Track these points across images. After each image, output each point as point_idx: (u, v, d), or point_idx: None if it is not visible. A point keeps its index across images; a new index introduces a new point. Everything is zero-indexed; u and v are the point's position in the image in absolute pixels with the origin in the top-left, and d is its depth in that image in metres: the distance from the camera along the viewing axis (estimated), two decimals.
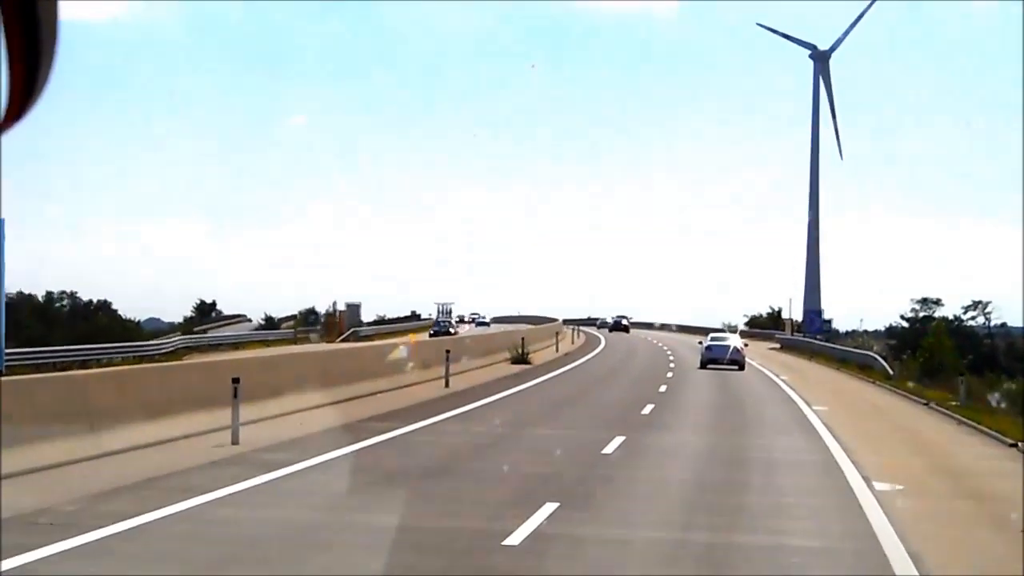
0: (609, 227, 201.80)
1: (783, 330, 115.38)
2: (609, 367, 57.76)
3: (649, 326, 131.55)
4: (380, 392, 34.22)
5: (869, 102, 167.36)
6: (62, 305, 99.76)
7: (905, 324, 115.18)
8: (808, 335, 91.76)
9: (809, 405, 37.36)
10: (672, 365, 60.81)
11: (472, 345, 52.78)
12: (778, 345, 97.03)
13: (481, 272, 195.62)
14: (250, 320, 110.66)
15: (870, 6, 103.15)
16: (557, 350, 72.25)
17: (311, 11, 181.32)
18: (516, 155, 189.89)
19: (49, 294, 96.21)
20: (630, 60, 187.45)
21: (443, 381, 38.99)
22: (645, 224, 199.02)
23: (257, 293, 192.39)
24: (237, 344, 79.30)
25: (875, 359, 59.66)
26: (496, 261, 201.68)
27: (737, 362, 56.92)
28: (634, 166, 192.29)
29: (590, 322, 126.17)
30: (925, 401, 41.19)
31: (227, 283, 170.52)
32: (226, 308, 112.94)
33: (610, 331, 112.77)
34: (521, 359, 55.42)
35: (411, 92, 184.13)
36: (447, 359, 39.19)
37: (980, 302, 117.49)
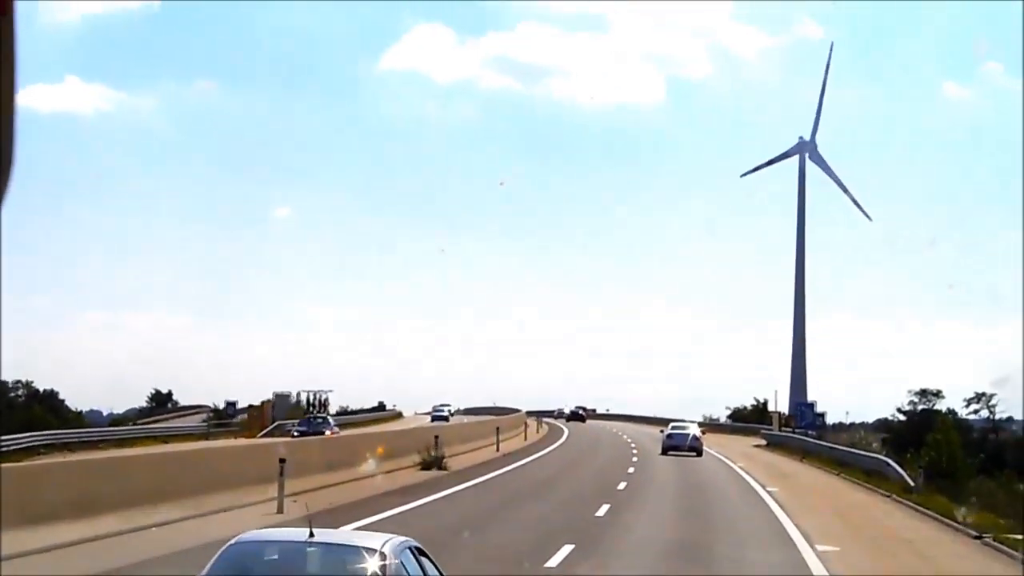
0: (586, 318, 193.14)
1: (770, 424, 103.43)
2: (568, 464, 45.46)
3: (610, 417, 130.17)
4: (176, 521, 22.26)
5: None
6: (17, 395, 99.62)
7: (902, 417, 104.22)
8: (798, 431, 79.47)
9: (810, 542, 25.11)
10: (635, 458, 56.04)
11: (340, 448, 40.01)
12: (764, 442, 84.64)
13: (457, 363, 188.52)
14: (211, 411, 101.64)
15: (825, 79, 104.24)
16: (525, 439, 68.43)
17: (294, 101, 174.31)
18: (497, 248, 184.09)
19: (3, 383, 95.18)
20: (616, 152, 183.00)
21: (275, 504, 26.63)
22: (623, 315, 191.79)
23: (240, 383, 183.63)
24: (123, 440, 66.91)
25: (887, 464, 47.33)
26: (469, 352, 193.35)
27: (695, 449, 62.12)
28: (615, 257, 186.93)
29: (550, 413, 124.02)
30: (977, 533, 28.87)
31: (211, 373, 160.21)
32: (201, 399, 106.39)
33: (567, 420, 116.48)
34: (434, 463, 43.10)
35: (394, 184, 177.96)
36: (281, 474, 26.74)
37: (983, 394, 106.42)
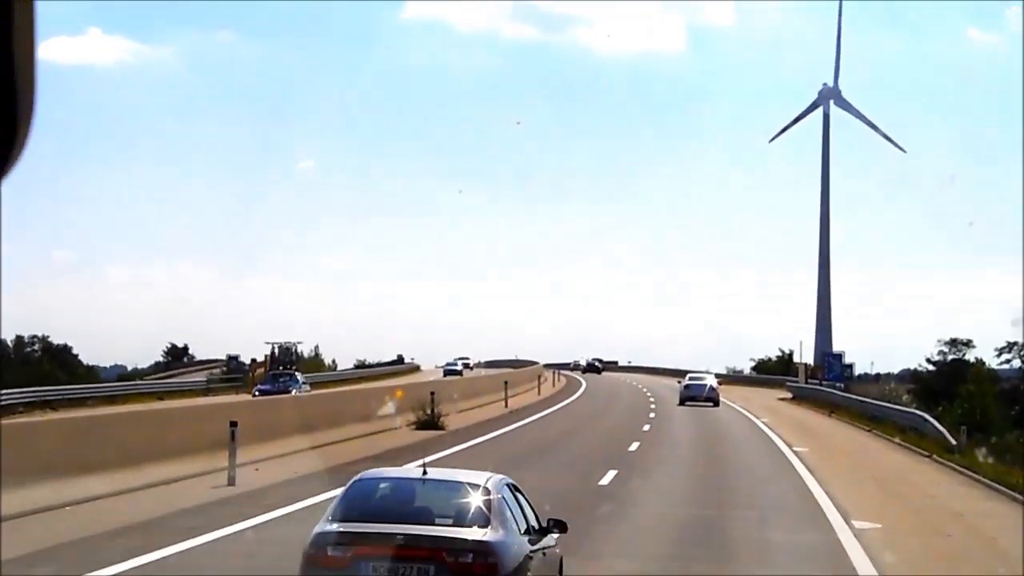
0: (610, 270, 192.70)
1: (795, 376, 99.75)
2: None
3: (631, 369, 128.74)
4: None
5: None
6: (33, 349, 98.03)
7: (930, 367, 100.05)
8: (826, 383, 75.74)
9: (846, 518, 21.41)
10: (652, 414, 53.57)
11: (318, 408, 36.26)
12: (790, 395, 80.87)
13: (481, 315, 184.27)
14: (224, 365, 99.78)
15: (840, 25, 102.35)
16: (539, 393, 66.37)
17: (316, 52, 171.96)
18: (515, 197, 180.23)
19: (19, 338, 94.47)
20: (636, 101, 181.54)
21: (225, 475, 23.07)
22: (647, 266, 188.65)
23: (261, 336, 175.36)
24: (115, 397, 63.55)
25: (925, 420, 43.40)
26: (494, 306, 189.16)
27: (712, 399, 63.76)
28: (637, 208, 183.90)
29: (567, 365, 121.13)
30: None
31: (237, 327, 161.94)
32: (219, 352, 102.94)
33: (583, 372, 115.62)
34: (430, 422, 39.54)
35: (411, 136, 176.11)
36: (232, 439, 23.14)
37: (1015, 343, 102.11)
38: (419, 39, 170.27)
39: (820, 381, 79.25)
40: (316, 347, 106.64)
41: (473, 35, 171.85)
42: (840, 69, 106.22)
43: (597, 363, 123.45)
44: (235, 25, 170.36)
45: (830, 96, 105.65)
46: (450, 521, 11.10)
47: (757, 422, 51.93)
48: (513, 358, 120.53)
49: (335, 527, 10.98)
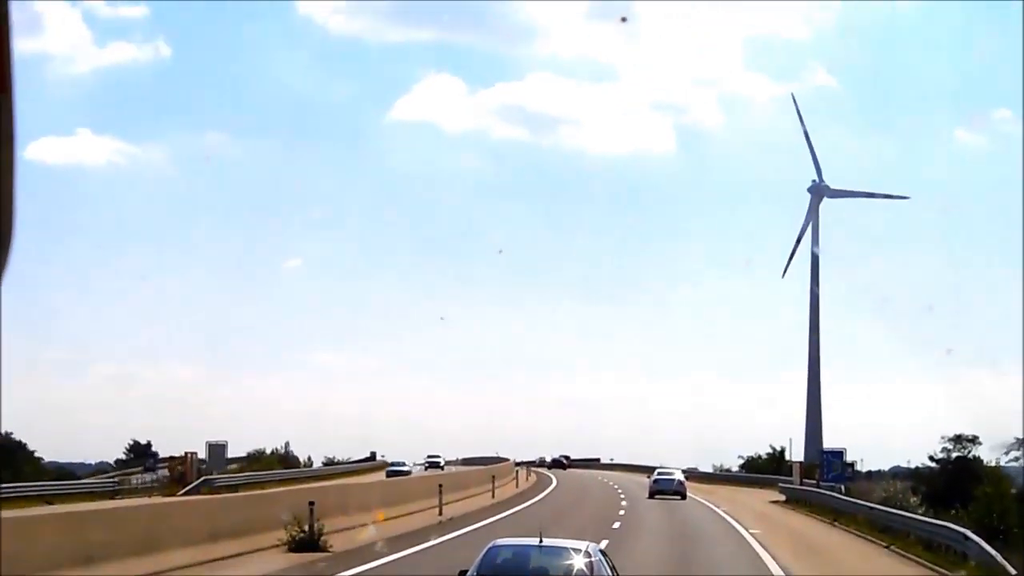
0: (597, 370, 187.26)
1: (788, 476, 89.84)
2: None
3: (605, 466, 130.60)
4: None
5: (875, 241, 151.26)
6: None
7: (932, 465, 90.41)
8: (825, 484, 65.70)
9: None
10: (617, 524, 45.09)
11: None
12: (783, 497, 70.87)
13: (468, 412, 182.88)
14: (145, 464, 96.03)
15: (804, 127, 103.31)
16: (493, 496, 61.28)
17: (304, 153, 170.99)
18: (504, 294, 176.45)
19: None
20: (624, 201, 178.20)
21: None
22: (633, 365, 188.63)
23: (247, 433, 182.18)
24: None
25: (966, 539, 33.22)
26: (481, 404, 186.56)
27: (680, 493, 67.24)
28: (625, 307, 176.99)
29: (535, 463, 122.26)
30: None
31: (223, 425, 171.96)
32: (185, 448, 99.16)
33: (549, 468, 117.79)
34: (308, 542, 29.51)
35: (398, 235, 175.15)
36: None
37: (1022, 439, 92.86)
38: (407, 140, 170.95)
39: (817, 482, 69.25)
40: (287, 444, 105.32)
41: (461, 136, 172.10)
42: (820, 164, 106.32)
43: (563, 459, 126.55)
44: (225, 127, 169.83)
45: (822, 192, 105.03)
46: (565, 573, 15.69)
47: (746, 534, 41.99)
48: (493, 455, 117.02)
49: None
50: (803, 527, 48.85)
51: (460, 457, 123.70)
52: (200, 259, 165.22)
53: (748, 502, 69.23)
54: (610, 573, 16.16)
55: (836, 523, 49.20)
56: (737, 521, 48.43)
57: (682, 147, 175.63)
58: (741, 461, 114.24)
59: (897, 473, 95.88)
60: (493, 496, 61.68)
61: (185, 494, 65.58)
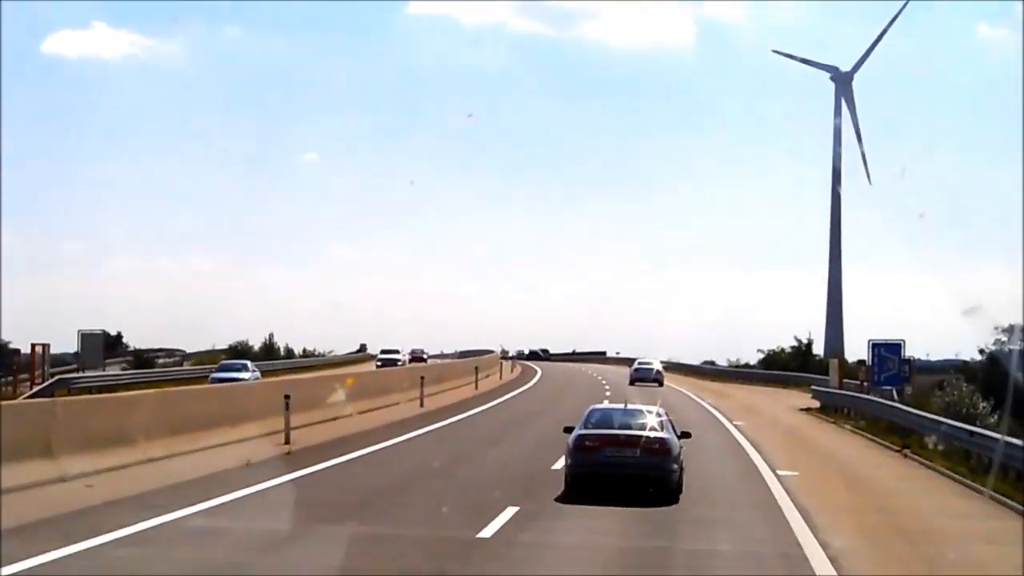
0: (613, 264, 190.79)
1: (819, 373, 73.80)
2: None
3: (590, 358, 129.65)
4: None
5: (894, 129, 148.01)
6: None
7: (978, 358, 74.83)
8: (876, 389, 49.16)
9: None
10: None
11: None
12: (816, 404, 54.51)
13: (483, 306, 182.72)
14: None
15: (892, 22, 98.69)
16: (476, 388, 61.03)
17: (322, 46, 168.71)
18: (519, 187, 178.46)
19: None
20: (645, 96, 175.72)
21: None
22: (650, 260, 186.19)
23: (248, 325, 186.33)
24: None
25: None
26: (496, 298, 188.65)
27: (658, 380, 74.17)
28: (642, 203, 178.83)
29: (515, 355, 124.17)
30: None
31: (236, 318, 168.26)
32: (159, 343, 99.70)
33: (526, 359, 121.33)
34: None
35: (416, 130, 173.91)
36: None
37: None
38: (425, 34, 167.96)
39: (862, 383, 52.90)
40: (270, 335, 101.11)
41: (479, 30, 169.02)
42: (863, 64, 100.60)
43: (541, 352, 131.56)
44: (241, 20, 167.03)
45: (840, 79, 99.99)
46: (643, 427, 21.96)
47: (773, 478, 25.61)
48: (484, 348, 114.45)
49: (587, 431, 21.94)
50: (859, 456, 32.27)
51: (457, 350, 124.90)
52: (217, 153, 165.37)
53: (771, 410, 52.95)
54: (672, 427, 22.80)
55: (907, 451, 32.70)
56: (759, 451, 32.04)
57: (702, 41, 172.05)
58: (761, 356, 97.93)
59: (945, 367, 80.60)
60: (476, 388, 61.51)
61: (34, 395, 49.93)
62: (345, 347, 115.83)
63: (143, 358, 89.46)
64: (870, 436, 38.29)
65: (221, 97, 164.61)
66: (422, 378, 47.42)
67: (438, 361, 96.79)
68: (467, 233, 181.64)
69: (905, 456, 32.13)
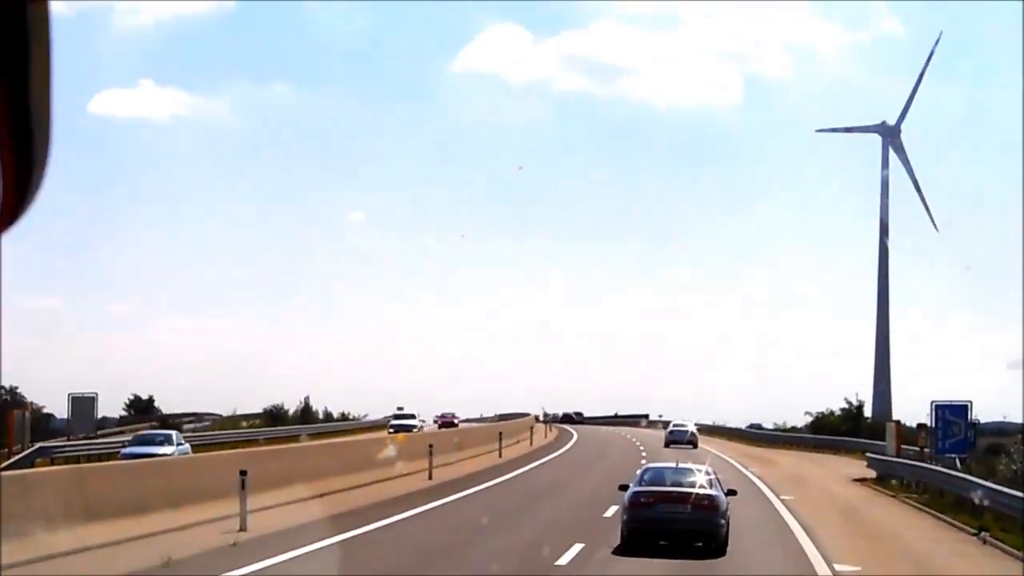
0: (653, 321, 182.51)
1: (873, 439, 68.74)
2: None
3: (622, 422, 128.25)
4: None
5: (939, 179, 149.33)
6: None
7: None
8: (941, 456, 44.02)
9: None
10: None
11: None
12: (872, 473, 49.33)
13: (526, 369, 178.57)
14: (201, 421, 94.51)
15: (926, 67, 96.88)
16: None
17: (368, 104, 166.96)
18: (565, 251, 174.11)
19: None
20: (692, 153, 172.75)
21: None
22: (696, 317, 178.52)
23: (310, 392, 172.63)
24: None
25: None
26: (541, 357, 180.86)
27: (692, 443, 74.31)
28: (686, 258, 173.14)
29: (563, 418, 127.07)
30: None
31: (279, 381, 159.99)
32: (194, 407, 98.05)
33: (560, 421, 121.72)
34: None
35: (461, 187, 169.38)
36: None
37: None
38: (471, 91, 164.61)
39: (922, 450, 47.88)
40: (306, 398, 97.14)
41: (525, 86, 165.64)
42: (907, 113, 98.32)
43: (574, 415, 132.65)
44: (288, 77, 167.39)
45: (888, 133, 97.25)
46: (693, 485, 23.53)
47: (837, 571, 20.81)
48: (522, 411, 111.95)
49: (642, 488, 23.64)
50: (933, 547, 27.14)
51: (497, 413, 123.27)
52: (263, 210, 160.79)
53: (822, 481, 47.95)
54: (720, 485, 24.26)
55: (985, 535, 27.69)
56: (809, 534, 27.13)
57: (749, 97, 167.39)
58: (809, 419, 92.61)
59: (992, 430, 75.13)
60: (500, 456, 56.81)
61: (9, 466, 45.46)
62: (385, 411, 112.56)
63: (168, 423, 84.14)
64: (937, 514, 33.32)
65: (267, 155, 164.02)
66: (431, 446, 42.79)
67: (474, 425, 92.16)
68: (510, 295, 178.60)
69: (984, 542, 27.15)
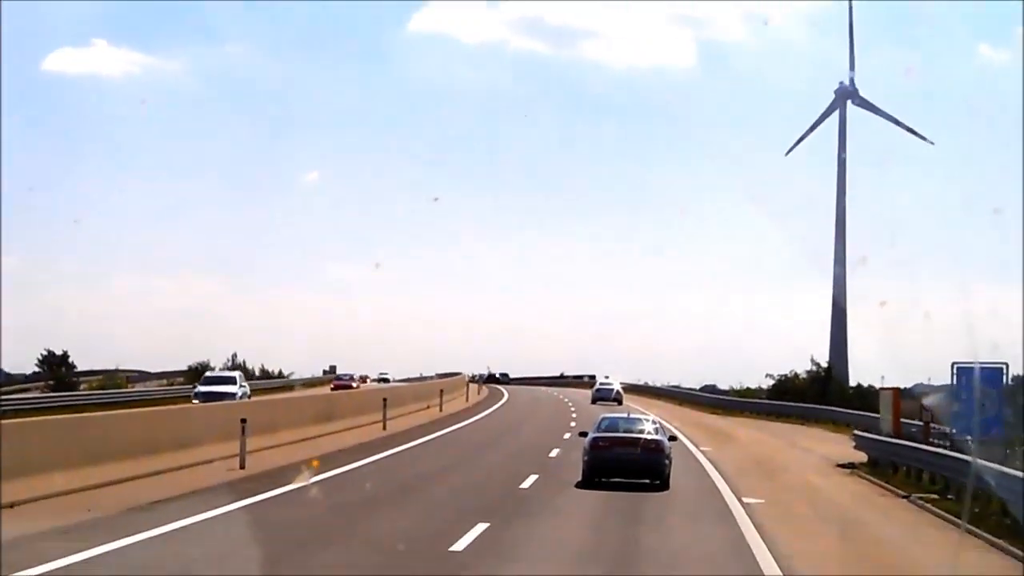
0: (612, 286, 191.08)
1: (849, 408, 57.80)
2: None
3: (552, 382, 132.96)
4: None
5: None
6: None
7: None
8: (957, 440, 32.09)
9: None
10: None
11: None
12: (862, 456, 37.26)
13: (486, 326, 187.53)
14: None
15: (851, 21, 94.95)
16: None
17: (322, 65, 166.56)
18: (520, 209, 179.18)
19: None
20: (645, 115, 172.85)
21: None
22: (650, 282, 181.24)
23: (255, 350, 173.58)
24: None
25: None
26: (501, 317, 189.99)
27: (618, 400, 79.26)
28: (638, 221, 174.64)
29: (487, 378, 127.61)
30: None
31: (233, 340, 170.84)
32: (107, 364, 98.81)
33: (484, 383, 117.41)
34: None
35: (415, 147, 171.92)
36: None
37: None
38: (424, 53, 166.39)
39: (926, 426, 36.07)
40: (233, 355, 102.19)
41: (479, 48, 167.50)
42: (855, 66, 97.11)
43: (499, 375, 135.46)
44: (242, 39, 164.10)
45: (847, 96, 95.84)
46: (642, 431, 28.21)
47: None
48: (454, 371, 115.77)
49: (600, 433, 28.01)
50: None
51: (437, 373, 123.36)
52: (218, 171, 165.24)
53: (798, 467, 36.09)
54: (663, 431, 29.58)
55: None
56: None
57: (703, 61, 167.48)
58: (771, 382, 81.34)
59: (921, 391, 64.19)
60: (441, 410, 60.91)
61: None
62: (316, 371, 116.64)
63: (65, 382, 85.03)
64: (983, 533, 21.34)
65: (222, 115, 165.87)
66: (384, 399, 47.83)
67: (415, 384, 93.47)
68: (459, 254, 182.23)
69: None
